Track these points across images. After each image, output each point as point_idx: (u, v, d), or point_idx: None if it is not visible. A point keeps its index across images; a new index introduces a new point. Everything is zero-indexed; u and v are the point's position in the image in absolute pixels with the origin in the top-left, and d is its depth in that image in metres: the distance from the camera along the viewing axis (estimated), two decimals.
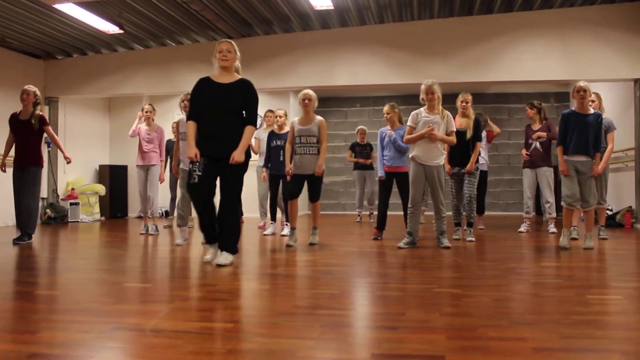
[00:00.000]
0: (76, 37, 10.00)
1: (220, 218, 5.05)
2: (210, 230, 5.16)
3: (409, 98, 13.79)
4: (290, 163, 6.60)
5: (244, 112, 5.11)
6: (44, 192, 11.05)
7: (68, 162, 7.35)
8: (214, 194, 5.13)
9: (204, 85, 5.12)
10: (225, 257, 4.93)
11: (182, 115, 7.04)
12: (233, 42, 5.23)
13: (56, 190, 11.23)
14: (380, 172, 7.25)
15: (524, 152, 8.15)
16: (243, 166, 5.01)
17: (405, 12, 9.39)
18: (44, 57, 11.18)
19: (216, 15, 9.05)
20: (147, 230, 8.27)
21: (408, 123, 6.35)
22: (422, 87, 6.30)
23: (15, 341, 2.59)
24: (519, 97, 13.78)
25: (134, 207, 12.90)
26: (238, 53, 5.27)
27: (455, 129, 6.34)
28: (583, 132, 6.08)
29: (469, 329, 2.77)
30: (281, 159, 7.42)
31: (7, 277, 4.50)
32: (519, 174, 13.28)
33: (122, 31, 9.45)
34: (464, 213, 7.07)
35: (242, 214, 7.09)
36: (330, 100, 14.73)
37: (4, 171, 7.32)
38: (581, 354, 2.40)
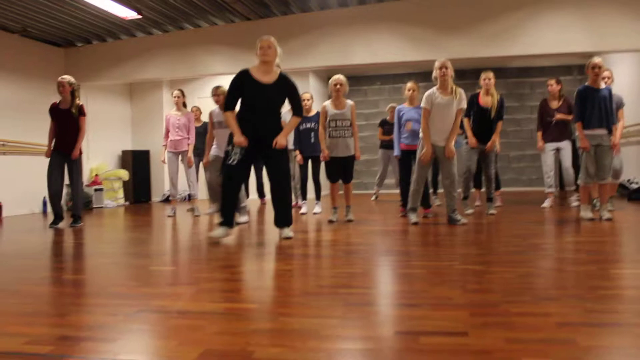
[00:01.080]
0: (95, 24, 10.05)
1: (280, 200, 5.41)
2: (231, 212, 5.47)
3: (428, 75, 13.59)
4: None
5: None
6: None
7: (73, 158, 7.45)
8: (246, 179, 5.55)
9: (245, 82, 5.34)
10: (288, 231, 5.45)
11: (213, 105, 7.35)
12: (273, 39, 5.45)
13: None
14: (396, 151, 7.24)
15: (539, 135, 8.00)
16: (286, 149, 5.42)
17: None
18: (64, 45, 11.26)
19: None
20: (175, 212, 8.62)
21: (423, 105, 6.35)
22: (436, 63, 6.28)
23: (45, 324, 2.65)
24: (541, 71, 13.59)
25: (157, 191, 13.04)
26: (279, 49, 5.46)
27: (464, 107, 6.32)
28: (601, 105, 6.12)
29: (491, 305, 2.77)
30: (312, 140, 7.83)
31: (36, 263, 4.59)
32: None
33: (140, 16, 9.48)
34: (473, 189, 7.23)
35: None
36: (349, 79, 14.57)
37: (49, 157, 7.53)
38: (605, 328, 2.39)
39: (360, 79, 14.60)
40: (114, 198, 11.81)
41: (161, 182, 13.08)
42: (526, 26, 9.30)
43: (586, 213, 6.26)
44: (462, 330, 2.35)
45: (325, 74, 14.20)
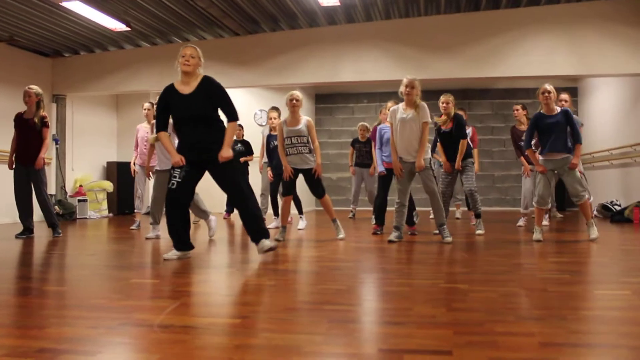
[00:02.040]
0: (83, 35, 10.03)
1: (243, 214, 5.07)
2: (178, 235, 5.11)
3: None
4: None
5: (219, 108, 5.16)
6: (52, 189, 11.10)
7: (37, 169, 7.32)
8: (191, 199, 5.18)
9: (169, 97, 5.08)
10: (266, 243, 5.03)
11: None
12: (197, 48, 5.24)
13: (64, 187, 11.29)
14: (380, 168, 7.26)
15: (523, 159, 8.01)
16: (234, 159, 5.10)
17: (411, 7, 9.37)
18: (51, 55, 11.22)
19: (222, 12, 9.06)
20: (139, 226, 8.60)
21: (387, 120, 6.44)
22: (404, 80, 6.29)
23: (24, 336, 2.61)
24: (527, 93, 13.72)
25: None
26: (202, 59, 5.22)
27: (428, 120, 6.32)
28: (553, 130, 6.21)
29: (476, 324, 2.77)
30: None
31: (15, 273, 4.53)
32: None
33: (128, 28, 9.48)
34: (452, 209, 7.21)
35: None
36: (336, 97, 14.73)
37: (12, 169, 7.43)
38: (589, 349, 2.40)
39: (348, 96, 14.67)
40: (97, 209, 11.72)
41: (146, 194, 12.96)
42: (512, 48, 9.41)
43: (537, 235, 6.30)
44: (446, 349, 2.34)
45: (313, 91, 14.26)
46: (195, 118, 4.98)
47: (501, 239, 6.71)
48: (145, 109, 8.35)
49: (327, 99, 14.90)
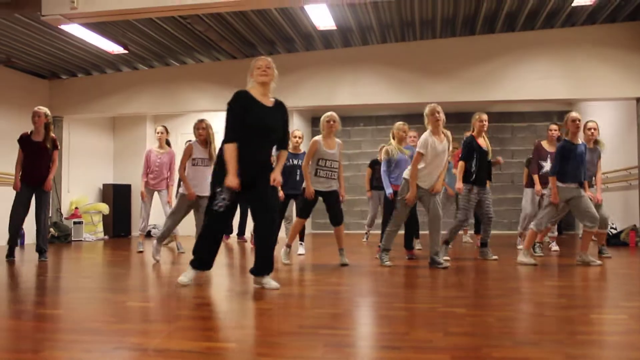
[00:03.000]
0: (81, 57, 10.08)
1: (265, 243, 4.67)
2: (208, 255, 4.78)
3: (411, 117, 13.77)
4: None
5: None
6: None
7: (47, 190, 7.31)
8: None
9: (250, 104, 4.64)
10: (272, 280, 4.70)
11: (191, 138, 7.14)
12: (271, 60, 4.85)
13: (60, 209, 11.25)
14: (389, 190, 7.15)
15: (536, 179, 7.80)
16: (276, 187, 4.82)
17: (407, 32, 9.46)
18: (49, 77, 11.26)
19: (220, 35, 9.13)
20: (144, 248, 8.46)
21: (419, 149, 6.22)
22: (428, 109, 6.27)
23: None
24: (522, 116, 13.81)
25: (137, 226, 12.90)
26: (276, 72, 4.83)
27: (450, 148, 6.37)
28: (578, 160, 6.25)
29: (473, 348, 2.75)
30: (297, 178, 7.42)
31: (10, 296, 4.50)
32: (522, 193, 13.27)
33: (126, 51, 9.54)
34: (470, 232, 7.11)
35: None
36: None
37: (19, 190, 7.28)
38: None
39: (344, 119, 14.65)
40: (93, 232, 11.68)
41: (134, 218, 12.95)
42: (507, 72, 9.49)
43: (527, 258, 6.28)
44: None
45: (309, 114, 14.30)
46: (269, 134, 4.69)
47: (497, 262, 6.70)
48: (158, 133, 8.32)
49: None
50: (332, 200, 6.53)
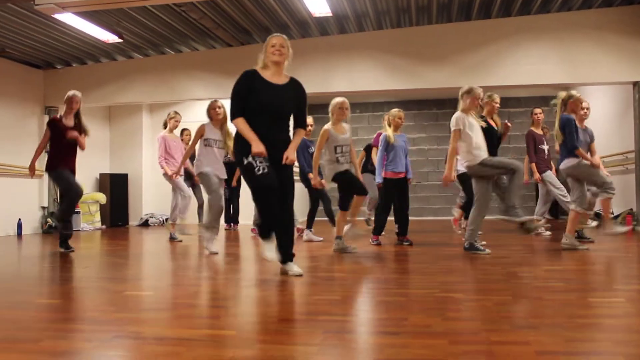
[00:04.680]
0: (76, 47, 10.03)
1: (280, 224, 4.54)
2: (275, 218, 4.52)
3: (407, 104, 13.84)
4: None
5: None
6: (44, 201, 11.06)
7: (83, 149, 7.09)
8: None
9: (255, 83, 4.55)
10: (295, 266, 4.64)
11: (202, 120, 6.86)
12: (286, 38, 4.72)
13: (57, 199, 11.23)
14: (379, 179, 7.16)
15: (534, 167, 7.81)
16: (292, 166, 4.71)
17: (403, 18, 9.42)
18: (43, 67, 11.20)
19: (215, 23, 9.08)
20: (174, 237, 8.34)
21: (455, 126, 6.06)
22: (479, 89, 6.31)
23: (18, 350, 2.58)
24: (519, 102, 13.81)
25: (134, 215, 12.91)
26: (291, 50, 4.70)
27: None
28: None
29: (471, 333, 2.76)
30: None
31: (9, 286, 4.50)
32: None
33: (121, 40, 9.48)
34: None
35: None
36: (327, 107, 14.74)
37: (32, 177, 7.03)
38: (584, 357, 2.40)
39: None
40: (90, 221, 11.67)
41: (139, 206, 12.97)
42: (503, 58, 9.47)
43: (573, 241, 6.23)
44: (442, 359, 2.34)
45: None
46: (279, 112, 4.59)
47: (495, 247, 6.71)
48: (171, 118, 8.31)
49: (319, 109, 14.82)
50: (349, 175, 6.36)
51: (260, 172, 4.35)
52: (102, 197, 11.94)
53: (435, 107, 14.52)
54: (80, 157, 11.97)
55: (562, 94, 6.34)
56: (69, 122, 6.95)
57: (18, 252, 7.22)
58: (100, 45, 9.97)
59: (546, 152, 7.83)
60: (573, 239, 6.24)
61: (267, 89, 4.53)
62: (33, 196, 10.92)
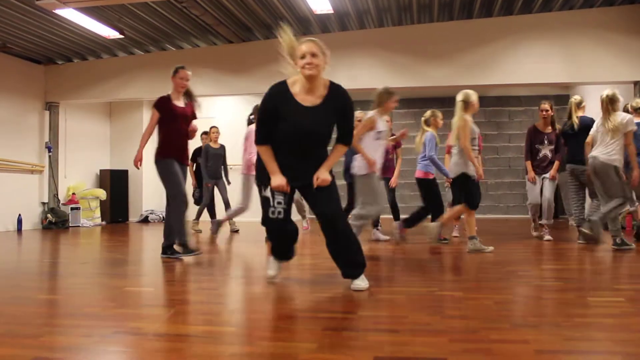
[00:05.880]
0: (77, 42, 10.02)
1: (333, 247, 3.98)
2: (285, 252, 4.29)
3: (409, 102, 13.82)
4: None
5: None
6: (44, 196, 11.07)
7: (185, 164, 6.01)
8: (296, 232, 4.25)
9: (284, 104, 3.83)
10: (360, 281, 3.93)
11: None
12: (318, 41, 3.95)
13: (57, 195, 11.24)
14: (451, 174, 6.98)
15: (529, 165, 7.41)
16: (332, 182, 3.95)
17: (404, 15, 9.41)
18: (44, 62, 11.19)
19: (216, 19, 9.07)
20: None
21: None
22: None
23: (18, 345, 2.59)
24: (519, 100, 13.80)
25: (134, 211, 12.91)
26: (327, 54, 3.98)
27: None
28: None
29: (471, 331, 2.77)
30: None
31: (9, 282, 4.50)
32: (519, 177, 13.30)
33: (122, 36, 9.47)
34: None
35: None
36: None
37: (139, 168, 6.03)
38: (583, 356, 2.40)
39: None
40: (90, 217, 11.68)
41: (139, 202, 12.97)
42: (505, 56, 9.46)
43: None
44: (442, 357, 2.34)
45: None
46: (311, 138, 3.87)
47: (495, 247, 6.71)
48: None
49: None
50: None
51: (274, 215, 3.89)
52: (102, 193, 11.94)
53: (437, 105, 14.49)
54: (81, 152, 12.05)
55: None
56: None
57: (18, 248, 7.23)
58: (101, 41, 9.97)
59: (543, 154, 7.28)
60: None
61: (295, 110, 3.81)
62: (33, 192, 10.93)
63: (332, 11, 8.77)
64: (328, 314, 3.19)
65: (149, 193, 12.91)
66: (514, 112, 13.95)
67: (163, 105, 5.75)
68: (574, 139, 6.85)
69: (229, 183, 9.58)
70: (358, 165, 5.72)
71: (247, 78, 10.35)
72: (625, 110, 7.19)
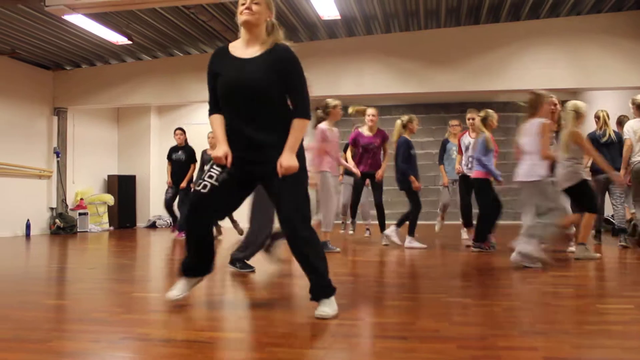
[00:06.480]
0: (85, 48, 10.06)
1: (298, 256, 3.37)
2: (195, 261, 3.58)
3: (415, 107, 13.82)
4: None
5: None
6: (52, 202, 11.11)
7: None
8: (221, 217, 3.75)
9: (221, 62, 3.42)
10: (325, 306, 3.26)
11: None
12: None
13: (65, 200, 11.27)
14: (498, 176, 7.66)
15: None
16: (299, 172, 3.30)
17: (411, 21, 9.41)
18: (53, 68, 11.25)
19: (224, 25, 9.09)
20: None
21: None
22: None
23: (26, 350, 2.60)
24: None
25: (142, 216, 12.94)
26: (272, 9, 3.57)
27: None
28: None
29: (479, 338, 2.76)
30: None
31: (17, 287, 4.52)
32: None
33: (130, 42, 9.51)
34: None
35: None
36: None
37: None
38: None
39: (347, 109, 14.68)
40: (98, 223, 11.71)
41: (146, 207, 13.00)
42: (512, 61, 9.44)
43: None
44: None
45: (313, 104, 14.21)
46: (248, 93, 3.30)
47: (503, 252, 6.69)
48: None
49: None
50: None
51: (198, 187, 3.41)
52: (110, 199, 11.97)
53: (443, 110, 14.50)
54: (89, 157, 12.08)
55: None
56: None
57: (26, 253, 7.25)
58: (109, 47, 10.01)
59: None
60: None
61: (231, 64, 3.36)
62: (41, 197, 10.96)
63: (339, 17, 8.78)
64: (336, 320, 3.18)
65: (156, 199, 12.94)
66: (521, 118, 13.90)
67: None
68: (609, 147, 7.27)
69: None
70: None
71: None
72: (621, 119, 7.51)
